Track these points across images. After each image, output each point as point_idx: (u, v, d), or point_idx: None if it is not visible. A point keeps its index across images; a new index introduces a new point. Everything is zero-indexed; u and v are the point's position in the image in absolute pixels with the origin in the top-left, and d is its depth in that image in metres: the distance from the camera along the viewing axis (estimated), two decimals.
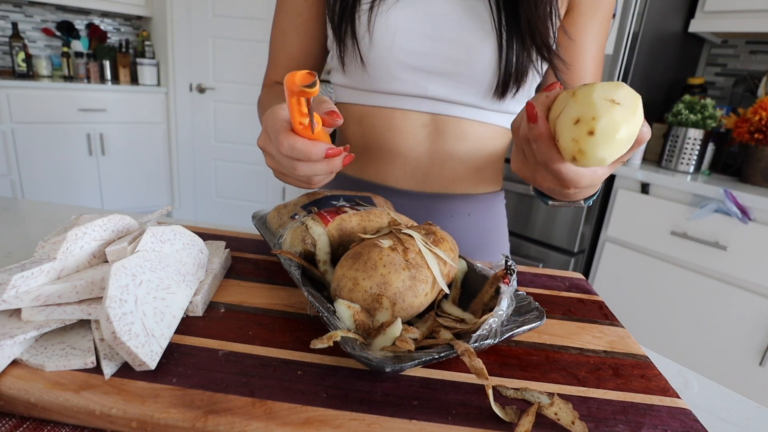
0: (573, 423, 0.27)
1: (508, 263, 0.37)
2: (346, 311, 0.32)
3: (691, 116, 1.63)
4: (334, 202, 0.49)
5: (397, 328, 0.31)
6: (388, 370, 0.27)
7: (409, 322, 0.35)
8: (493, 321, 0.32)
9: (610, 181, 1.70)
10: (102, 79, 2.74)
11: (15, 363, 0.28)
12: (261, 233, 0.47)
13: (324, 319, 0.32)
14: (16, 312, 0.31)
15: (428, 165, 0.61)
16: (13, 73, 2.45)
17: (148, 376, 0.28)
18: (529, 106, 0.33)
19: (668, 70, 1.85)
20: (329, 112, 0.39)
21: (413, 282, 0.34)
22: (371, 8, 0.53)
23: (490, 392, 0.28)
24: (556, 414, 0.28)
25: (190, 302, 0.35)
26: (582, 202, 0.46)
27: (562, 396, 0.31)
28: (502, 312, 0.33)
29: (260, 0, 2.51)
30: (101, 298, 0.32)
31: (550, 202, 0.49)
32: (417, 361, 0.29)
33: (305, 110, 0.37)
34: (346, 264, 0.35)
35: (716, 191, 1.41)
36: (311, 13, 0.60)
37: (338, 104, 0.64)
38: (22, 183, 2.37)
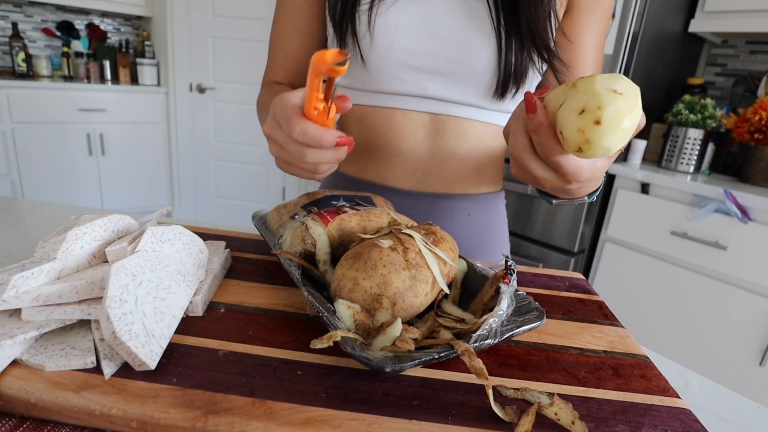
0: (573, 423, 0.27)
1: (508, 263, 0.37)
2: (346, 311, 0.32)
3: (691, 116, 1.63)
4: (334, 202, 0.49)
5: (397, 328, 0.31)
6: (388, 370, 0.27)
7: (409, 322, 0.35)
8: (493, 321, 0.32)
9: (610, 181, 1.70)
10: (102, 79, 2.74)
11: (15, 363, 0.28)
12: (261, 233, 0.47)
13: (324, 319, 0.32)
14: (16, 312, 0.31)
15: (428, 165, 0.61)
16: (13, 73, 2.45)
17: (148, 376, 0.28)
18: (528, 95, 0.33)
19: (668, 70, 1.85)
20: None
21: (413, 282, 0.34)
22: (371, 8, 0.53)
23: (490, 392, 0.28)
24: (556, 414, 0.28)
25: (190, 302, 0.35)
26: (586, 198, 0.46)
27: (562, 396, 0.31)
28: (502, 312, 0.33)
29: (260, 0, 2.51)
30: (101, 298, 0.32)
31: (554, 201, 0.49)
32: (417, 361, 0.29)
33: (321, 95, 0.37)
34: (346, 264, 0.35)
35: (716, 191, 1.41)
36: (311, 13, 0.60)
37: None
38: (22, 183, 2.37)
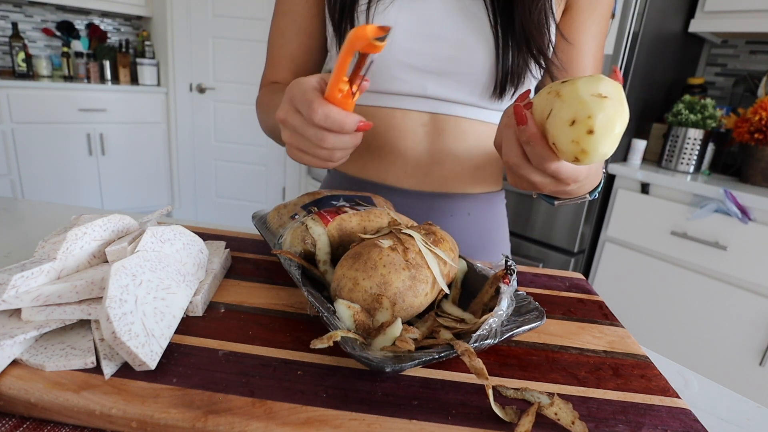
0: (573, 423, 0.27)
1: (508, 263, 0.37)
2: (346, 311, 0.32)
3: (691, 116, 1.63)
4: (334, 202, 0.49)
5: (397, 328, 0.31)
6: (388, 370, 0.27)
7: (409, 322, 0.35)
8: (493, 321, 0.32)
9: (610, 181, 1.70)
10: (102, 79, 2.74)
11: (15, 363, 0.28)
12: (261, 233, 0.47)
13: (324, 319, 0.32)
14: (16, 312, 0.31)
15: (428, 164, 0.61)
16: (13, 73, 2.45)
17: (148, 376, 0.28)
18: (517, 108, 0.33)
19: (668, 70, 1.85)
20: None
21: (413, 282, 0.34)
22: (368, 7, 0.53)
23: (490, 392, 0.28)
24: (556, 414, 0.28)
25: (190, 302, 0.35)
26: (588, 195, 0.46)
27: (562, 396, 0.31)
28: (502, 312, 0.33)
29: (260, 0, 2.51)
30: (101, 298, 0.32)
31: (556, 202, 0.49)
32: (417, 361, 0.29)
33: (346, 78, 0.35)
34: (346, 264, 0.35)
35: (716, 191, 1.41)
36: (311, 12, 0.60)
37: None
38: (22, 183, 2.37)
